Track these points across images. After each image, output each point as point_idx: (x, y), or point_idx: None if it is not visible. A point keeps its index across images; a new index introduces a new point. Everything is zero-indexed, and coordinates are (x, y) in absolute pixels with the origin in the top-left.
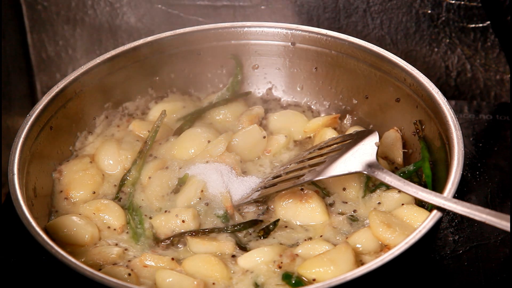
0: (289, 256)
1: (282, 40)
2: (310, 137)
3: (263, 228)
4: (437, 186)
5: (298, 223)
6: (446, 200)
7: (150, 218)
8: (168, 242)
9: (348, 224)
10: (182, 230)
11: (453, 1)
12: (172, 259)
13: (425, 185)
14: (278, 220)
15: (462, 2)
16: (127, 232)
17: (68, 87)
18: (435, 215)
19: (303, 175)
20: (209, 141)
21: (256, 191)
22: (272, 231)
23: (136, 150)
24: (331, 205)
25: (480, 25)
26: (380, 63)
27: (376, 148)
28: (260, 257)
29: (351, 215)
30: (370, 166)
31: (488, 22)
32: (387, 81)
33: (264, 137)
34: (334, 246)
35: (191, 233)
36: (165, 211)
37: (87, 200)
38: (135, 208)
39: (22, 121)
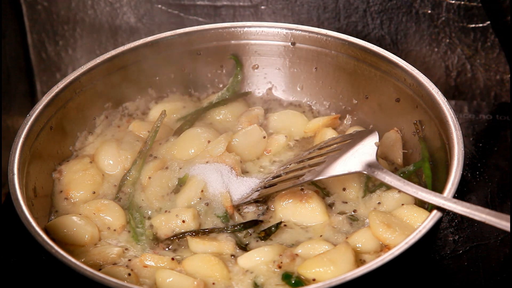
0: (289, 256)
1: (282, 40)
2: (310, 137)
3: (265, 230)
4: (437, 186)
5: (298, 223)
6: (446, 200)
7: (150, 218)
8: (169, 242)
9: (348, 224)
10: (182, 230)
11: (453, 1)
12: (172, 259)
13: (425, 185)
14: (280, 222)
15: (462, 2)
16: (129, 231)
17: (68, 87)
18: (435, 215)
19: (303, 175)
20: (209, 141)
21: (256, 191)
22: (273, 233)
23: (136, 150)
24: (331, 205)
25: (480, 25)
26: (380, 63)
27: (376, 148)
28: (260, 257)
29: (351, 215)
30: (370, 166)
31: (488, 22)
32: (387, 81)
33: (264, 137)
34: (334, 246)
35: (191, 233)
36: (165, 211)
37: (87, 200)
38: (135, 208)
39: (22, 121)
